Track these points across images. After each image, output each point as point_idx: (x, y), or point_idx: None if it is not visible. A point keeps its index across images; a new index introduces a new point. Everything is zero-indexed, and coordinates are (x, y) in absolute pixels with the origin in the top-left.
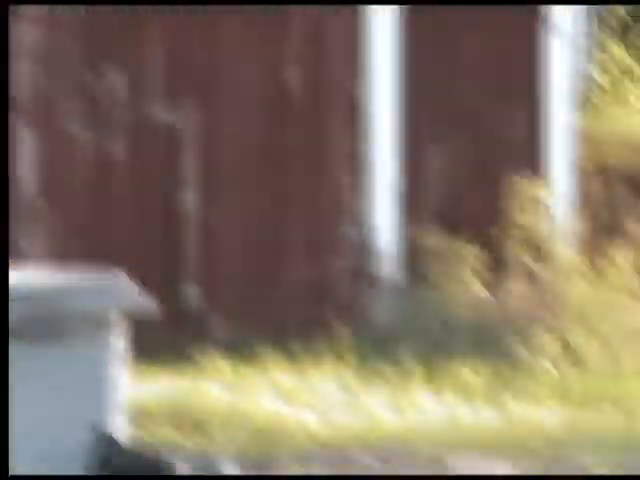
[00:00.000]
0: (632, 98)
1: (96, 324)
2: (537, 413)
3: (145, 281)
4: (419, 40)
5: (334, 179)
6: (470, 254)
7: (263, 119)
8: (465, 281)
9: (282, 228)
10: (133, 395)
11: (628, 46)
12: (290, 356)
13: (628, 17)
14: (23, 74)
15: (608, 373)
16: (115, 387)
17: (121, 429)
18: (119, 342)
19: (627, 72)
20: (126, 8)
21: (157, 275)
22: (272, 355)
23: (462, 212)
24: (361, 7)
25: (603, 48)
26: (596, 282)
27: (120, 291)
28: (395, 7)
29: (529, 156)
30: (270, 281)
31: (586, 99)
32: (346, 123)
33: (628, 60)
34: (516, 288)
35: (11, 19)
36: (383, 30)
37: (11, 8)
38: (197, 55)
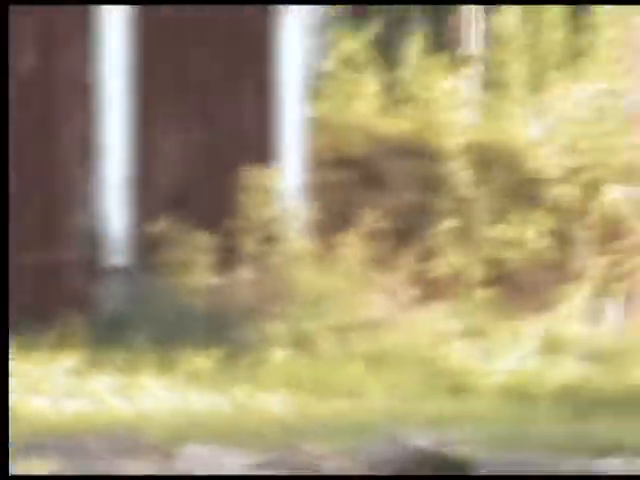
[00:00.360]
0: (363, 88)
1: None
2: (268, 400)
3: None
4: (151, 34)
5: (65, 165)
6: (202, 241)
7: None
8: (197, 268)
9: (13, 214)
10: None
11: (358, 38)
12: (20, 343)
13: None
14: None
15: (338, 360)
16: None
17: None
18: None
19: (356, 63)
20: None
21: None
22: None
23: (194, 199)
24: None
25: (335, 41)
26: (327, 270)
27: None
28: (128, 6)
29: (261, 145)
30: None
31: (319, 90)
32: (78, 109)
33: (357, 52)
34: (247, 275)
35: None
36: (116, 25)
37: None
38: None
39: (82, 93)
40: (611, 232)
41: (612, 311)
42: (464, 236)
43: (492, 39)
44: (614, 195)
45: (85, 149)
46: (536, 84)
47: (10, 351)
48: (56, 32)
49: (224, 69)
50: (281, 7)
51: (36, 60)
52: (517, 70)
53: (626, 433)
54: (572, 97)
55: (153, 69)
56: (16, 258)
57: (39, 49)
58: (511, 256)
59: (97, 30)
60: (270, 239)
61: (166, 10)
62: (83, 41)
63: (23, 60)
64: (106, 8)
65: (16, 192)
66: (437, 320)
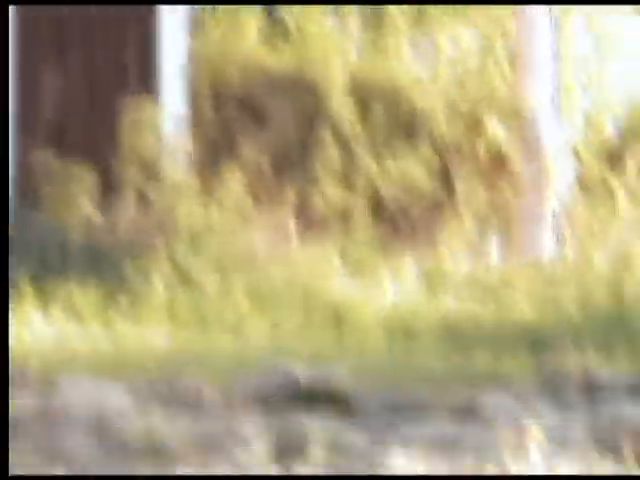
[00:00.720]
0: (246, 24)
1: None
2: (149, 334)
3: None
4: None
5: None
6: (82, 175)
7: None
8: (78, 203)
9: None
10: None
11: None
12: None
13: None
14: None
15: (220, 295)
16: None
17: None
18: None
19: None
20: None
21: None
22: None
23: (74, 134)
24: None
25: None
26: (209, 204)
27: None
28: None
29: (143, 79)
30: None
31: (202, 24)
32: None
33: None
34: (128, 210)
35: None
36: None
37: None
38: None
39: None
40: (494, 168)
41: (493, 247)
42: (347, 172)
43: None
44: (497, 132)
45: None
46: (422, 23)
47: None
48: None
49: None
50: None
51: None
52: (403, 9)
53: (505, 366)
54: (458, 37)
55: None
56: None
57: None
58: (394, 192)
59: None
60: (151, 173)
61: None
62: None
63: None
64: None
65: None
66: (319, 255)
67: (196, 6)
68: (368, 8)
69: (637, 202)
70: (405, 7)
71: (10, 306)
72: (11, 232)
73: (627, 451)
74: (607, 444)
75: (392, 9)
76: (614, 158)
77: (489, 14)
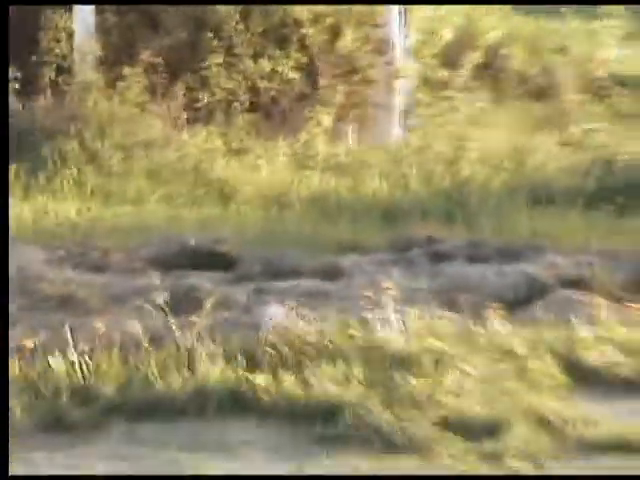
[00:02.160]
0: None
1: None
2: (63, 207)
3: None
4: None
5: None
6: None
7: None
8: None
9: None
10: None
11: None
12: None
13: None
14: None
15: (122, 173)
16: None
17: None
18: None
19: None
20: None
21: None
22: None
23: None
24: None
25: None
26: (112, 97)
27: None
28: None
29: None
30: None
31: None
32: None
33: None
34: (47, 102)
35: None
36: None
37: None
38: None
39: None
40: (351, 67)
41: (350, 133)
42: (229, 70)
43: None
44: (354, 36)
45: None
46: None
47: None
48: None
49: None
50: None
51: None
52: None
53: (362, 234)
54: None
55: None
56: None
57: None
58: (269, 86)
59: None
60: (65, 71)
61: None
62: None
63: None
64: None
65: None
66: (206, 140)
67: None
68: None
69: (469, 96)
70: None
71: None
72: None
73: (462, 303)
74: (446, 298)
75: None
76: (450, 60)
77: None
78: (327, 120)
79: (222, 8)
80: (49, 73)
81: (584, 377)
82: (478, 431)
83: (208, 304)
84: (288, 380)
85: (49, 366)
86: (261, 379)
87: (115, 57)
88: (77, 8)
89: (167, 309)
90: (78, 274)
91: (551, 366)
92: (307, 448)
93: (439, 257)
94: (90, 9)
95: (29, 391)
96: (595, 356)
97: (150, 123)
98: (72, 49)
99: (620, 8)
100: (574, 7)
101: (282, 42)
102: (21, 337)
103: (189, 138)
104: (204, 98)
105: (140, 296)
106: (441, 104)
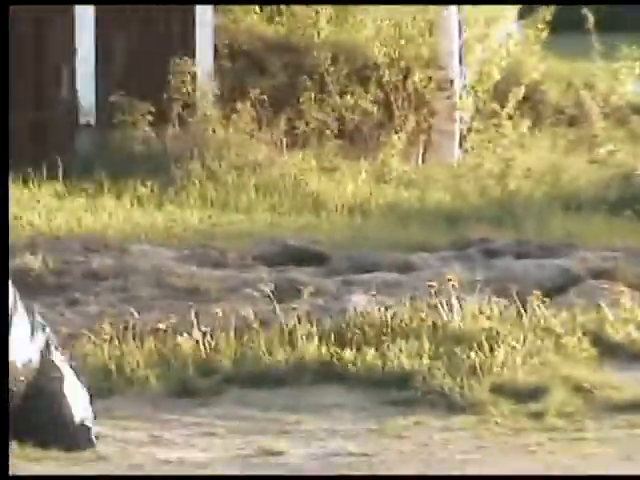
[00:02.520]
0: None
1: None
2: (188, 215)
3: None
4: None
5: (53, 64)
6: (144, 108)
7: None
8: (140, 126)
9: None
10: None
11: None
12: (20, 178)
13: None
14: None
15: (236, 187)
16: None
17: None
18: None
19: None
20: None
21: None
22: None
23: (139, 81)
24: None
25: None
26: (227, 126)
27: None
28: None
29: (184, 44)
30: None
31: (222, 5)
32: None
33: None
34: (174, 131)
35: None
36: None
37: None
38: None
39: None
40: (419, 101)
41: (418, 154)
42: (321, 104)
43: None
44: (421, 76)
45: (66, 52)
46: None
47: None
48: None
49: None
50: None
51: None
52: None
53: (427, 236)
54: (397, 8)
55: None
56: (21, 117)
57: None
58: (353, 117)
59: None
60: (189, 106)
61: None
62: None
63: None
64: None
65: (25, 77)
66: (301, 160)
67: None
68: None
69: (515, 124)
70: None
71: (92, 196)
72: (94, 147)
73: (512, 293)
74: (497, 287)
75: None
76: (499, 94)
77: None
78: (400, 144)
79: (314, 54)
80: (177, 108)
81: (610, 351)
82: (524, 395)
83: (305, 293)
84: (370, 354)
85: (178, 344)
86: (348, 354)
87: (229, 95)
88: (200, 57)
89: (272, 297)
90: (201, 269)
91: (583, 342)
92: (385, 409)
93: (491, 254)
94: (210, 57)
95: (162, 364)
96: (619, 333)
97: (258, 147)
98: (195, 89)
99: (637, 50)
100: (600, 48)
101: (363, 81)
102: (155, 321)
103: (289, 159)
104: (301, 127)
105: (251, 287)
106: (492, 130)
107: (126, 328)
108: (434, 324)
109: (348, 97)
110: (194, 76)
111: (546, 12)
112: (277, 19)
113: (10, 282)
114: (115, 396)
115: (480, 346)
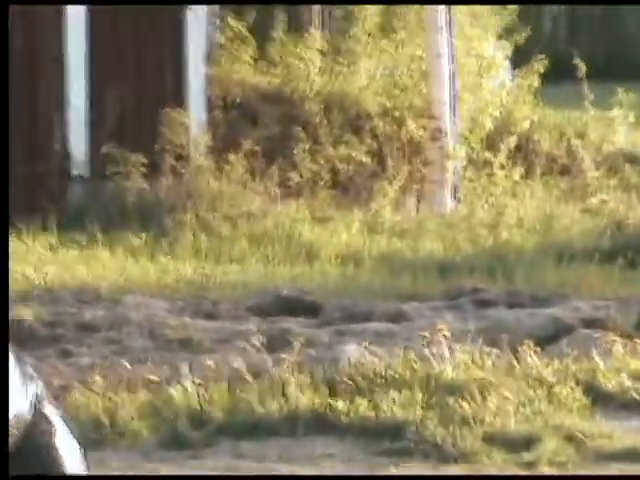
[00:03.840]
0: (243, 56)
1: None
2: (181, 266)
3: None
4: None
5: (44, 114)
6: (136, 159)
7: None
8: (133, 177)
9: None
10: None
11: (241, 20)
12: (15, 228)
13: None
14: None
15: (229, 238)
16: None
17: None
18: None
19: (240, 38)
20: None
21: None
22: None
23: (130, 131)
24: None
25: (225, 21)
26: (220, 178)
27: None
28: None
29: (176, 94)
30: None
31: (214, 57)
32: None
33: (240, 31)
34: (167, 182)
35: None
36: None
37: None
38: None
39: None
40: (412, 151)
41: (411, 204)
42: (314, 155)
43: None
44: (414, 126)
45: (58, 101)
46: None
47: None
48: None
49: (151, 48)
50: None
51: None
52: (357, 37)
53: (421, 285)
54: (390, 58)
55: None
56: (13, 169)
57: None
58: (346, 167)
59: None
60: (182, 157)
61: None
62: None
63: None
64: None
65: (14, 127)
66: (295, 211)
67: (212, 45)
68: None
69: (507, 173)
70: (360, 37)
71: (85, 248)
72: (87, 198)
73: (504, 343)
74: (489, 337)
75: (351, 43)
76: (491, 143)
77: (405, 52)
78: (393, 194)
79: (307, 105)
80: (169, 159)
81: (603, 400)
82: (516, 445)
83: (297, 344)
84: (362, 404)
85: (171, 395)
86: (340, 404)
87: (222, 146)
88: (192, 108)
89: (265, 349)
90: (194, 320)
91: (575, 391)
92: (377, 459)
93: (483, 303)
94: (202, 108)
95: (154, 415)
96: (612, 383)
97: (251, 198)
98: (188, 140)
99: (632, 97)
100: (592, 97)
101: (357, 131)
102: (148, 372)
103: (282, 210)
104: (294, 178)
105: (243, 338)
106: (484, 180)
107: (119, 380)
108: (426, 374)
109: (341, 148)
110: (187, 127)
111: (540, 64)
112: (270, 70)
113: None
114: (107, 448)
115: (472, 396)
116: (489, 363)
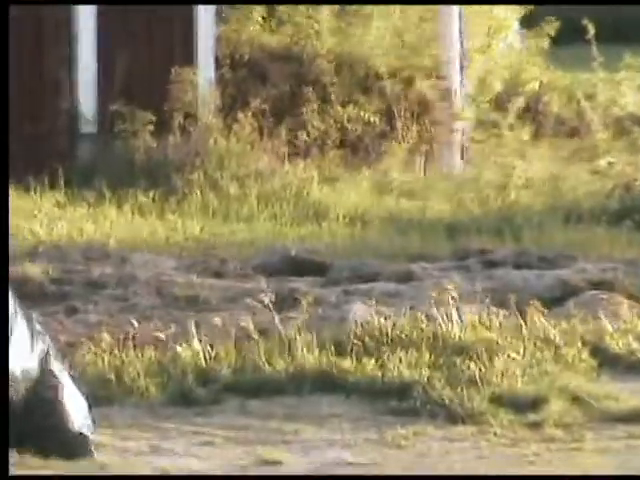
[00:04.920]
0: (253, 14)
1: None
2: (189, 225)
3: None
4: None
5: (53, 72)
6: (144, 117)
7: None
8: (142, 135)
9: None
10: None
11: None
12: (21, 187)
13: None
14: None
15: (237, 197)
16: None
17: None
18: None
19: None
20: None
21: None
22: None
23: (140, 89)
24: None
25: None
26: (228, 136)
27: None
28: None
29: (185, 53)
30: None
31: (223, 16)
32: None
33: None
34: (175, 141)
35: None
36: None
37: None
38: None
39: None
40: (421, 111)
41: (420, 163)
42: (323, 114)
43: None
44: (423, 85)
45: (66, 60)
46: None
47: (18, 191)
48: None
49: (160, 6)
50: None
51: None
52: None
53: (428, 246)
54: (399, 19)
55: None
56: (21, 128)
57: None
58: (355, 127)
59: None
60: (190, 116)
61: None
62: None
63: None
64: None
65: (24, 88)
66: (304, 170)
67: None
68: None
69: (516, 134)
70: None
71: (93, 205)
72: (95, 156)
73: (509, 301)
74: (496, 297)
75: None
76: (501, 105)
77: (415, 13)
78: (401, 154)
79: (316, 64)
80: (178, 118)
81: (609, 361)
82: (523, 405)
83: (305, 303)
84: (369, 364)
85: (178, 353)
86: (347, 363)
87: (231, 104)
88: (201, 66)
89: (272, 307)
90: (201, 279)
91: (582, 352)
92: (384, 419)
93: (491, 264)
94: (211, 67)
95: (162, 373)
96: (619, 344)
97: (259, 157)
98: (196, 98)
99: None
100: (601, 60)
101: (365, 91)
102: (155, 330)
103: (290, 169)
104: (302, 137)
105: (250, 296)
106: (492, 141)
107: (126, 337)
108: (434, 334)
109: (349, 107)
110: (195, 85)
111: (550, 26)
112: (279, 29)
113: (10, 290)
114: (114, 405)
115: (479, 357)
116: (496, 324)
